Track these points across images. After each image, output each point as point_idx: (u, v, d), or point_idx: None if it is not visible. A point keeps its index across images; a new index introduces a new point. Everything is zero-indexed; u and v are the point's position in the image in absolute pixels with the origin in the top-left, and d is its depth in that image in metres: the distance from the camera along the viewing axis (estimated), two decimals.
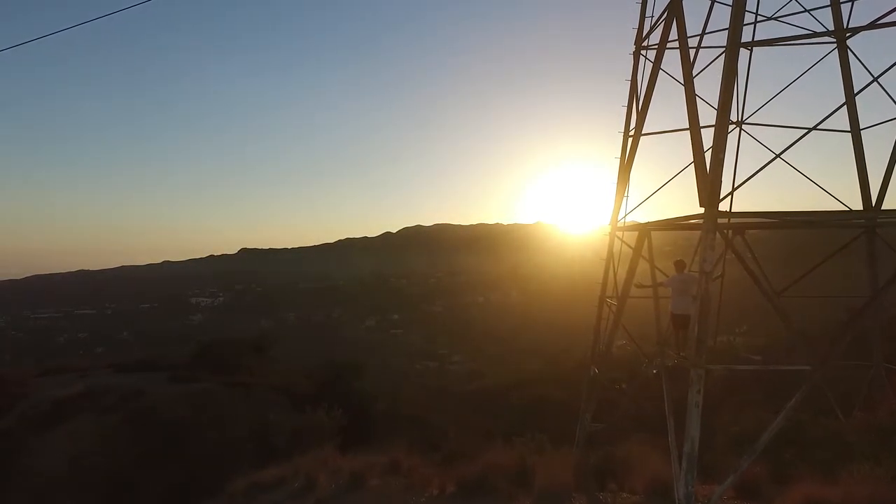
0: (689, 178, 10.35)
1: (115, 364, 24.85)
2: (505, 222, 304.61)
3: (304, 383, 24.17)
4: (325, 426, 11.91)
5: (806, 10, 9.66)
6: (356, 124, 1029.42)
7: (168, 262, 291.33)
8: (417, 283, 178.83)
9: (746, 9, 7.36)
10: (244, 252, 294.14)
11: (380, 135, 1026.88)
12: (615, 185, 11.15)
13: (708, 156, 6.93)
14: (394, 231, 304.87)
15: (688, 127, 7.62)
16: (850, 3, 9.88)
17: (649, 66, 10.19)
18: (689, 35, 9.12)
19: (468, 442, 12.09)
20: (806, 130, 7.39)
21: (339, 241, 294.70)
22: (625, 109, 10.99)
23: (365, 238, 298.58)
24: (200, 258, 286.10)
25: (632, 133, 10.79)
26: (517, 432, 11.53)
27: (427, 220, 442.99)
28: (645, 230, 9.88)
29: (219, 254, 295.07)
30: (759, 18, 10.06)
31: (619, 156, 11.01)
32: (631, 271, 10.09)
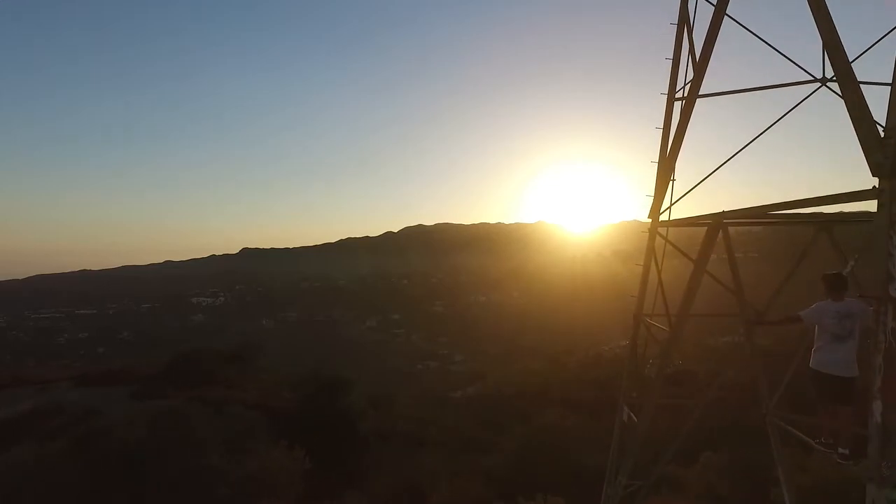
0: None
1: (77, 377, 22.59)
2: (507, 221, 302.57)
3: (286, 398, 21.87)
4: (283, 472, 9.51)
5: None
6: (357, 123, 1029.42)
7: (169, 261, 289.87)
8: (419, 282, 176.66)
9: None
10: (245, 252, 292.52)
11: (381, 134, 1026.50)
12: (656, 165, 8.07)
13: (882, 103, 4.11)
14: (395, 230, 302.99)
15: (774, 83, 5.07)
16: None
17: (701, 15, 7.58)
18: None
19: (461, 492, 9.73)
20: None
21: (341, 240, 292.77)
22: (669, 63, 7.83)
23: (366, 237, 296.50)
24: (202, 258, 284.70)
25: (680, 95, 7.74)
26: (521, 484, 9.08)
27: (428, 220, 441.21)
28: (717, 222, 6.53)
29: (220, 253, 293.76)
30: None
31: (662, 126, 8.00)
32: (693, 286, 6.95)
